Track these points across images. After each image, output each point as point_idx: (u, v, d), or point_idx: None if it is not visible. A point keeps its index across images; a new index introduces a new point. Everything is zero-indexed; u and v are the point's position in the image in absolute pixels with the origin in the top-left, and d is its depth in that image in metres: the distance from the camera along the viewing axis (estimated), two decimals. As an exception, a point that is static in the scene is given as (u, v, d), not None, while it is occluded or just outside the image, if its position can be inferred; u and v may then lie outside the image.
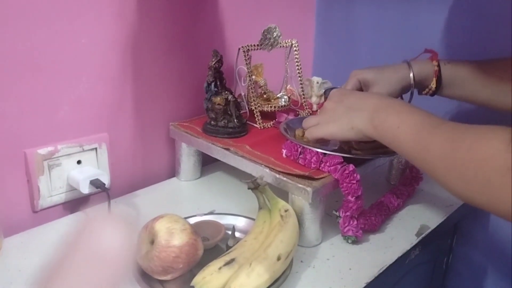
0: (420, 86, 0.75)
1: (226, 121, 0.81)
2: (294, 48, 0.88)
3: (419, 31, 0.96)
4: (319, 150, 0.68)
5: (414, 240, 0.71)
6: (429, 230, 0.73)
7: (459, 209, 0.81)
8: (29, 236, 0.69)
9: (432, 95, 0.74)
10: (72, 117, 0.74)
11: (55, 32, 0.68)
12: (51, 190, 0.73)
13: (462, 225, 0.93)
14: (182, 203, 0.81)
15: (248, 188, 0.64)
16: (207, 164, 0.91)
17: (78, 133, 0.75)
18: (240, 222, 0.71)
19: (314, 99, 0.94)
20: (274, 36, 0.83)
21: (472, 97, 0.69)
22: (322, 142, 0.72)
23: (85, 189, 0.71)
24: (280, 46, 0.86)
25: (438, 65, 0.71)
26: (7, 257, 0.64)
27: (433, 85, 0.71)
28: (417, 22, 0.96)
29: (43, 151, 0.70)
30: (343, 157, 0.68)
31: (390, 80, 0.73)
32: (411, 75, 0.72)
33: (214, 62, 0.81)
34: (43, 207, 0.73)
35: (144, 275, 0.58)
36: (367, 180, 0.84)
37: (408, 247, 0.69)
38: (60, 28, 0.69)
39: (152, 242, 0.57)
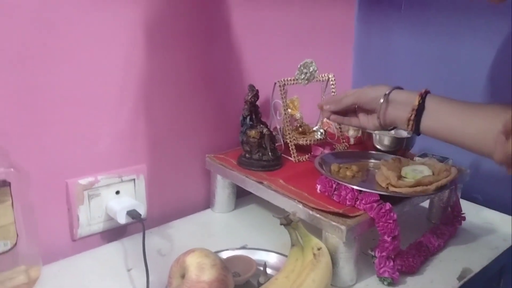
0: (402, 104, 0.69)
1: (260, 154, 0.81)
2: (331, 82, 0.88)
3: (459, 65, 0.94)
4: (355, 187, 0.67)
5: (456, 285, 0.67)
6: (472, 274, 0.69)
7: (506, 251, 0.76)
8: (67, 264, 0.71)
9: (416, 119, 0.67)
10: (112, 148, 0.76)
11: (95, 67, 0.72)
12: (90, 219, 0.75)
13: (509, 269, 0.87)
14: (215, 235, 0.81)
15: (281, 224, 0.63)
16: (242, 196, 0.91)
17: (117, 164, 0.77)
18: (272, 258, 0.70)
19: (351, 133, 0.93)
20: (310, 70, 0.83)
21: (457, 129, 0.64)
22: (358, 178, 0.71)
23: (122, 219, 0.73)
24: (317, 80, 0.86)
25: (426, 92, 0.67)
26: (45, 285, 0.66)
27: (416, 102, 0.66)
28: (457, 55, 0.94)
29: (83, 181, 0.73)
30: (379, 194, 0.66)
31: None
32: (392, 88, 0.69)
33: (250, 97, 0.82)
34: (81, 236, 0.75)
35: (174, 309, 0.58)
36: (406, 218, 0.81)
37: (449, 292, 0.65)
38: (99, 65, 0.72)
39: (183, 276, 0.58)
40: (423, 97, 0.65)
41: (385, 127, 0.73)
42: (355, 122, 0.77)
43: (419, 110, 0.65)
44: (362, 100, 0.72)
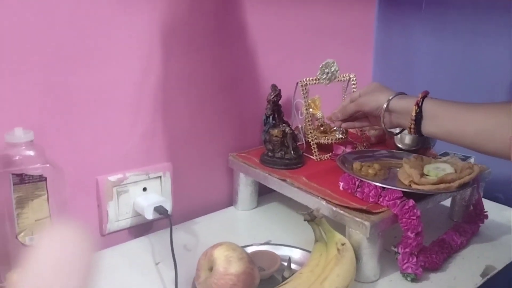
0: (402, 114, 0.71)
1: (283, 153, 0.83)
2: (352, 82, 0.89)
3: (481, 65, 0.94)
4: (378, 184, 0.68)
5: (479, 281, 0.67)
6: (495, 271, 0.69)
7: (529, 250, 0.76)
8: (97, 258, 0.73)
9: (416, 127, 0.69)
10: (140, 147, 0.79)
11: (125, 69, 0.74)
12: (119, 215, 0.78)
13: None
14: (239, 232, 0.83)
15: (305, 220, 0.65)
16: (263, 194, 0.93)
17: (144, 162, 0.80)
18: (295, 254, 0.72)
19: (372, 132, 0.93)
20: (332, 70, 0.84)
21: (455, 133, 0.66)
22: (380, 176, 0.72)
23: (150, 215, 0.75)
24: (338, 80, 0.87)
25: (423, 97, 0.69)
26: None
27: (413, 113, 0.68)
28: (479, 55, 0.94)
29: (113, 178, 0.76)
30: (402, 191, 0.67)
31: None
32: (390, 97, 0.71)
33: (272, 96, 0.84)
34: (110, 231, 0.78)
35: (203, 301, 0.60)
36: (428, 217, 0.82)
37: (473, 288, 0.66)
38: (130, 65, 0.75)
39: (211, 269, 0.59)
40: (419, 105, 0.67)
41: (391, 134, 0.75)
42: (365, 124, 0.81)
43: (417, 119, 0.68)
44: (364, 109, 0.76)
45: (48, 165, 0.62)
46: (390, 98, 0.72)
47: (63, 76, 0.68)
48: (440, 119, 0.66)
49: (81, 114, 0.71)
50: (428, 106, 0.67)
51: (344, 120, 0.81)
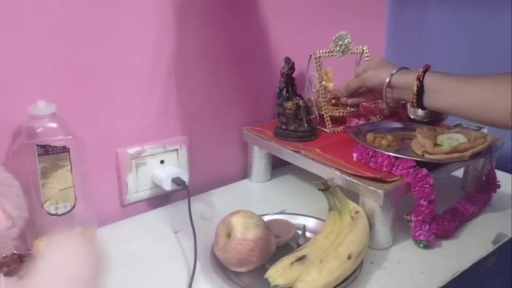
0: (404, 89, 0.73)
1: (296, 125, 0.84)
2: (365, 54, 0.89)
3: (497, 37, 0.93)
4: (392, 154, 0.69)
5: (491, 248, 0.69)
6: (507, 238, 0.71)
7: (542, 219, 0.77)
8: (118, 227, 0.76)
9: (418, 101, 0.71)
10: (157, 121, 0.81)
11: (141, 44, 0.76)
12: (138, 187, 0.80)
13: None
14: (254, 203, 0.85)
15: (319, 190, 0.66)
16: (277, 167, 0.94)
17: (162, 135, 0.82)
18: (310, 223, 0.73)
19: (384, 104, 0.94)
20: (345, 42, 0.85)
21: (457, 106, 0.67)
22: (393, 146, 0.73)
23: (168, 186, 0.78)
24: (351, 53, 0.87)
25: (424, 71, 0.70)
26: (100, 245, 0.71)
27: (415, 88, 0.69)
28: (494, 27, 0.93)
29: (132, 150, 0.78)
30: (416, 161, 0.68)
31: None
32: (393, 71, 0.73)
33: (286, 69, 0.84)
34: (130, 202, 0.80)
35: (221, 266, 0.62)
36: (441, 187, 0.83)
37: (484, 254, 0.67)
38: (146, 39, 0.76)
39: (229, 235, 0.62)
40: (420, 80, 0.69)
41: (394, 109, 0.76)
42: (371, 98, 0.83)
43: (419, 93, 0.69)
44: (367, 84, 0.79)
45: (70, 136, 0.65)
46: (392, 72, 0.73)
47: (82, 51, 0.70)
48: (441, 93, 0.68)
49: (99, 88, 0.73)
50: (429, 80, 0.69)
51: (350, 96, 0.82)
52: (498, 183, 0.81)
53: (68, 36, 0.68)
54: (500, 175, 0.84)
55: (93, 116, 0.73)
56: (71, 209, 0.67)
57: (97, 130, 0.74)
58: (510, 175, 0.92)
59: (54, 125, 0.63)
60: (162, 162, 0.82)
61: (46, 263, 0.30)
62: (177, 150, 0.83)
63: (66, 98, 0.70)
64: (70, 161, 0.65)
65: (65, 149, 0.64)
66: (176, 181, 0.78)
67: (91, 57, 0.71)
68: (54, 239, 0.31)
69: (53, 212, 0.66)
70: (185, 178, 0.79)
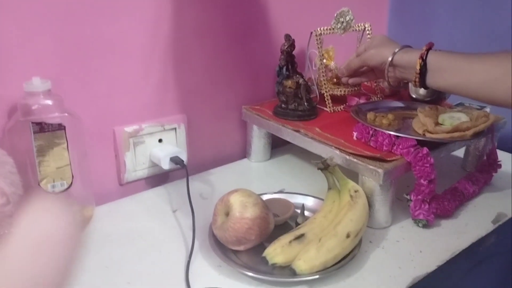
0: (406, 68, 0.71)
1: (296, 104, 0.83)
2: (367, 32, 0.88)
3: (500, 14, 0.91)
4: (392, 133, 0.68)
5: (490, 227, 0.68)
6: (507, 218, 0.70)
7: (542, 199, 0.77)
8: (116, 206, 0.76)
9: (421, 80, 0.70)
10: (155, 99, 0.79)
11: (140, 19, 0.74)
12: (136, 165, 0.79)
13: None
14: (253, 182, 0.85)
15: (318, 169, 0.66)
16: (276, 147, 0.94)
17: (160, 113, 0.81)
18: (309, 202, 0.73)
19: (386, 83, 0.92)
20: (347, 19, 0.83)
21: (461, 85, 0.66)
22: (394, 126, 0.72)
23: (166, 165, 0.77)
24: (353, 30, 0.85)
25: (428, 50, 0.68)
26: (98, 223, 0.71)
27: (417, 67, 0.68)
28: (498, 4, 0.91)
29: (129, 129, 0.77)
30: (416, 140, 0.67)
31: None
32: (396, 50, 0.72)
33: (286, 46, 0.83)
34: (128, 181, 0.80)
35: (220, 245, 0.62)
36: (442, 167, 0.82)
37: (483, 234, 0.67)
38: (145, 15, 0.74)
39: (227, 214, 0.61)
40: (423, 59, 0.68)
41: (396, 88, 0.75)
42: (372, 77, 0.82)
43: (422, 72, 0.68)
44: (369, 64, 0.78)
45: (66, 114, 0.64)
46: (395, 51, 0.72)
47: (79, 26, 0.68)
48: (444, 72, 0.67)
49: (96, 64, 0.71)
50: (432, 59, 0.67)
51: (351, 76, 0.81)
52: (499, 163, 0.80)
53: (65, 11, 0.66)
54: (502, 155, 0.84)
55: (90, 93, 0.72)
56: (68, 187, 0.66)
57: (94, 108, 0.73)
58: (511, 155, 0.91)
59: (49, 102, 0.63)
60: (160, 140, 0.81)
61: (19, 230, 0.28)
62: (175, 128, 0.82)
63: (62, 74, 0.69)
64: (67, 139, 0.64)
65: (61, 127, 0.63)
66: (175, 160, 0.77)
67: (88, 33, 0.69)
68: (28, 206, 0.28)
69: (50, 190, 0.65)
70: (184, 157, 0.78)
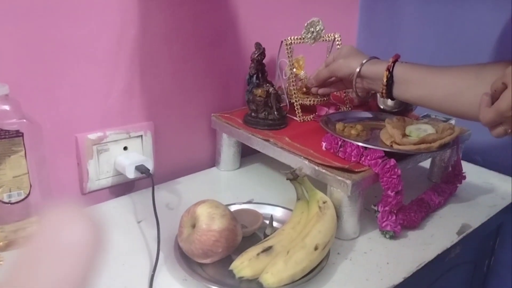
0: (373, 79, 0.72)
1: (266, 113, 0.82)
2: (337, 42, 0.88)
3: (467, 27, 0.94)
4: (360, 144, 0.68)
5: (455, 239, 0.69)
6: (471, 230, 0.72)
7: (503, 210, 0.79)
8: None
9: (387, 92, 0.71)
10: (121, 105, 0.77)
11: (105, 22, 0.71)
12: (99, 174, 0.76)
13: (506, 227, 0.90)
14: (221, 192, 0.83)
15: (287, 179, 0.65)
16: (246, 155, 0.92)
17: (125, 120, 0.78)
18: (277, 212, 0.72)
19: (354, 94, 0.93)
20: (317, 29, 0.83)
21: (426, 97, 0.67)
22: (362, 136, 0.72)
23: (131, 174, 0.75)
24: (323, 40, 0.86)
25: (394, 61, 0.70)
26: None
27: (384, 79, 0.69)
28: (464, 17, 0.94)
29: (93, 136, 0.74)
30: (384, 151, 0.68)
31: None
32: (363, 61, 0.73)
33: (256, 55, 0.82)
34: (91, 190, 0.77)
35: (185, 257, 0.60)
36: (408, 178, 0.83)
37: (449, 245, 0.68)
38: (110, 18, 0.72)
39: (194, 226, 0.59)
40: (390, 71, 0.69)
41: (364, 98, 0.76)
42: (341, 88, 0.83)
43: (389, 84, 0.69)
44: (337, 74, 0.78)
45: (24, 120, 0.60)
46: (363, 62, 0.73)
47: (40, 28, 0.65)
48: (410, 84, 0.68)
49: (58, 69, 0.69)
50: (398, 71, 0.69)
51: (320, 86, 0.82)
52: (464, 174, 0.81)
53: (26, 12, 0.63)
54: (466, 166, 0.86)
55: (50, 98, 0.69)
56: (25, 197, 0.63)
57: (56, 114, 0.70)
58: (475, 166, 0.94)
59: (6, 107, 0.59)
60: (125, 148, 0.78)
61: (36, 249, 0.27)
62: (141, 136, 0.80)
63: (21, 78, 0.65)
64: (24, 147, 0.61)
65: (18, 134, 0.60)
66: (140, 168, 0.75)
67: (50, 36, 0.66)
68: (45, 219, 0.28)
69: (6, 200, 0.62)
70: (150, 165, 0.76)
